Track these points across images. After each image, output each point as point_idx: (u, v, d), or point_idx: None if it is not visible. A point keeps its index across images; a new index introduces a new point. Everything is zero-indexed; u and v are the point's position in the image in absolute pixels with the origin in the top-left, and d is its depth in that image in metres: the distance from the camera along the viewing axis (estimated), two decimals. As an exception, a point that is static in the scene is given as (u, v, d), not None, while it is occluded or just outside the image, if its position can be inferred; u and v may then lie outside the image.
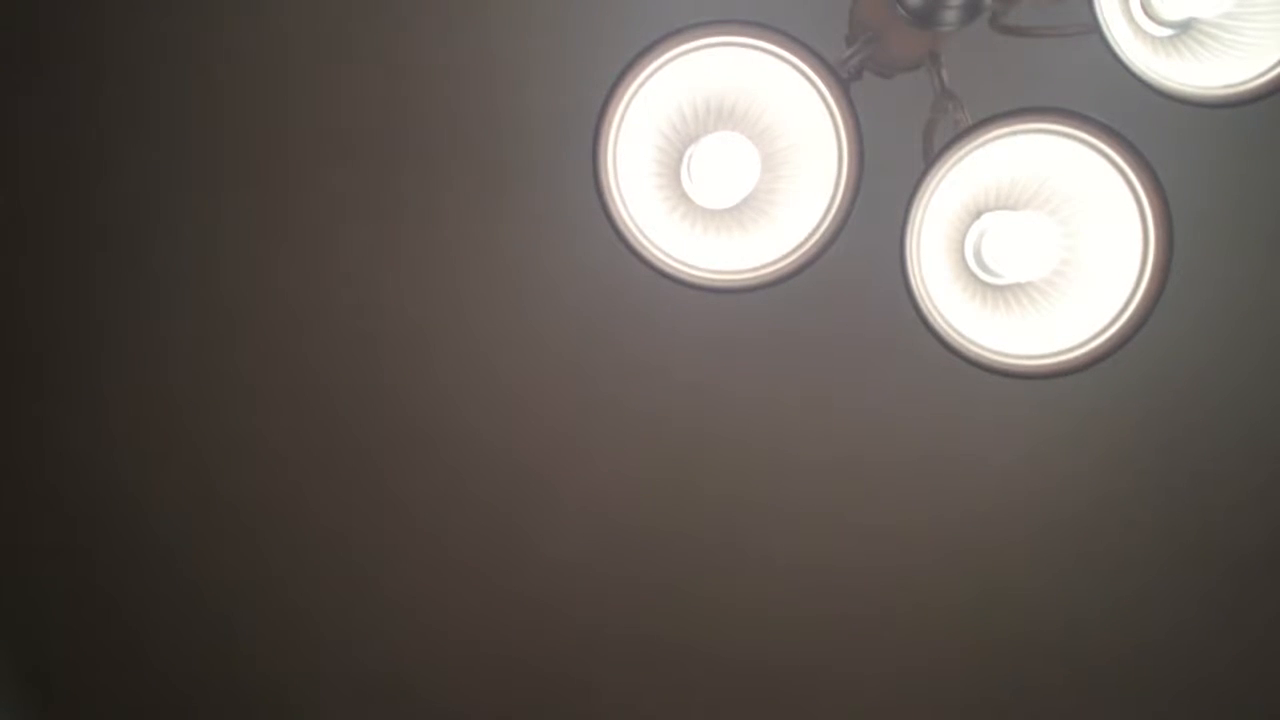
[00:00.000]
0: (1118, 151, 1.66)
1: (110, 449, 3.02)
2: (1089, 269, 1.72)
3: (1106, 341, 1.71)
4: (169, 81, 2.74)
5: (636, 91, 1.71)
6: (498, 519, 3.07)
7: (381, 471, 3.03)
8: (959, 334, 1.74)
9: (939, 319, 1.73)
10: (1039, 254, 1.72)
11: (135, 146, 2.79)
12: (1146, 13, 1.74)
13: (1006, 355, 1.74)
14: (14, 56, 2.72)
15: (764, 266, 1.77)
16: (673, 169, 1.76)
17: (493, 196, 2.80)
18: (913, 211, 1.70)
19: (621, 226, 1.76)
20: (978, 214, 1.74)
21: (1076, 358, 1.72)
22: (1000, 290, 1.75)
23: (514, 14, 2.66)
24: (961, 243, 1.75)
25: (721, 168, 1.74)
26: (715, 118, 1.74)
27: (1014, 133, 1.68)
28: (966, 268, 1.75)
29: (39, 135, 2.79)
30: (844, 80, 1.74)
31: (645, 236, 1.76)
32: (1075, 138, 1.67)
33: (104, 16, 2.69)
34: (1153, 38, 1.73)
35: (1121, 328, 1.70)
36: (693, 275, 1.79)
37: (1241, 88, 1.69)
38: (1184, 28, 1.73)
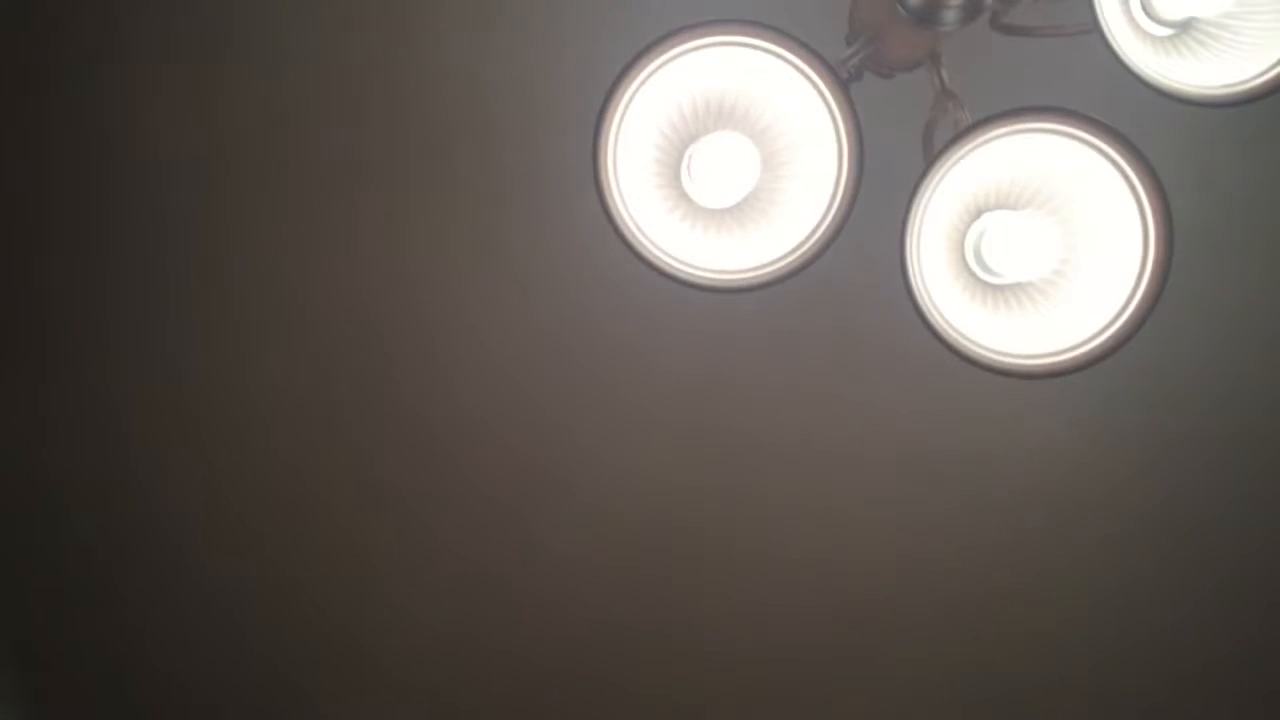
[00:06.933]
0: (1118, 151, 1.66)
1: (114, 447, 3.02)
2: (1089, 269, 1.72)
3: (1106, 341, 1.71)
4: (170, 80, 2.75)
5: (637, 91, 1.71)
6: (503, 515, 3.07)
7: (386, 467, 3.04)
8: (959, 333, 1.74)
9: (939, 318, 1.73)
10: (1039, 254, 1.72)
11: (139, 144, 2.79)
12: (1146, 12, 1.74)
13: (1006, 355, 1.74)
14: (14, 55, 2.73)
15: (764, 266, 1.77)
16: (673, 169, 1.76)
17: (495, 196, 2.80)
18: (913, 211, 1.70)
19: (621, 226, 1.76)
20: (978, 214, 1.74)
21: (1076, 357, 1.72)
22: (1000, 290, 1.75)
23: (515, 14, 2.67)
24: (961, 242, 1.75)
25: (721, 167, 1.74)
26: (715, 117, 1.74)
27: (1014, 133, 1.68)
28: (966, 267, 1.75)
29: (40, 131, 2.79)
30: (844, 80, 1.74)
31: (645, 236, 1.77)
32: (1075, 137, 1.67)
33: (111, 6, 2.69)
34: (1153, 37, 1.74)
35: (1121, 327, 1.70)
36: (693, 275, 1.79)
37: (1241, 87, 1.70)
38: (1184, 27, 1.73)
